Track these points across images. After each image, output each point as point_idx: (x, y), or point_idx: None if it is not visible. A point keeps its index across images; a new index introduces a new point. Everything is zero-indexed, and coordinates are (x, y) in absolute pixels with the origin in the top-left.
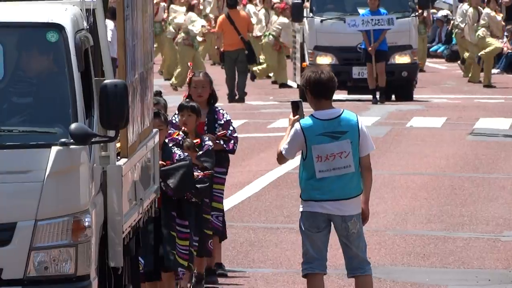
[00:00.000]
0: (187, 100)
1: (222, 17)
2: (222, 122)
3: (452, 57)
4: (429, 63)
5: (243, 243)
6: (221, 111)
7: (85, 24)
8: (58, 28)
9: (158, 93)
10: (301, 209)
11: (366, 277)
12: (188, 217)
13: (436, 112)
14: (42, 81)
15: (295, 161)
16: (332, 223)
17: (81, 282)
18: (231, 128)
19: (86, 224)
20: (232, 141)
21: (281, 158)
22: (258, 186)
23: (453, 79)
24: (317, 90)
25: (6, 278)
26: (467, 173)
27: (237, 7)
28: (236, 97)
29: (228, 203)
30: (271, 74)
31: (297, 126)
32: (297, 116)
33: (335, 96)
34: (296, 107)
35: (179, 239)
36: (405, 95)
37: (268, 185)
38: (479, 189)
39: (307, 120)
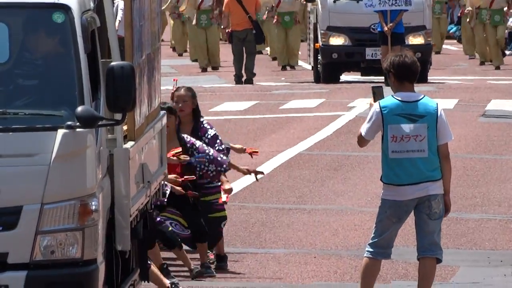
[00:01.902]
0: (163, 102)
1: None
2: (207, 140)
3: None
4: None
5: (255, 223)
6: (205, 125)
7: (91, 4)
8: (64, 8)
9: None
10: (383, 196)
11: (432, 260)
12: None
13: (448, 94)
14: (48, 63)
15: (308, 142)
16: (414, 207)
17: (88, 266)
18: (217, 142)
19: (93, 207)
20: (219, 160)
21: (361, 140)
22: (270, 167)
23: (465, 60)
24: (401, 73)
25: (12, 262)
26: (479, 154)
27: None
28: (243, 79)
29: (240, 184)
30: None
31: (376, 106)
32: (378, 102)
33: (348, 78)
34: (376, 93)
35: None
36: (419, 76)
37: (279, 166)
38: (491, 170)
39: (386, 100)
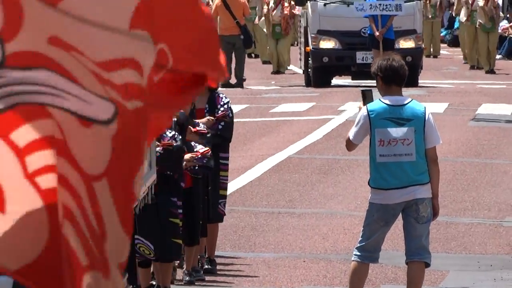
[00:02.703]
0: None
1: (217, 0)
2: (219, 107)
3: (455, 42)
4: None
5: (244, 227)
6: (220, 95)
7: None
8: None
9: None
10: (371, 200)
11: (420, 264)
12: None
13: (438, 98)
14: None
15: (298, 145)
16: (401, 211)
17: None
18: (224, 107)
19: None
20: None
21: (349, 144)
22: (259, 171)
23: (455, 64)
24: (388, 77)
25: None
26: (469, 158)
27: None
28: (234, 83)
29: (229, 188)
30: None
31: (363, 110)
32: (365, 106)
33: (338, 82)
34: (366, 96)
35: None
36: (410, 80)
37: (269, 169)
38: (481, 174)
39: (374, 104)
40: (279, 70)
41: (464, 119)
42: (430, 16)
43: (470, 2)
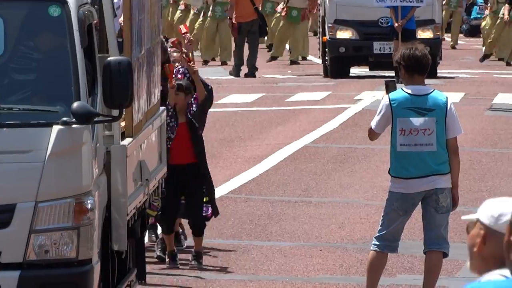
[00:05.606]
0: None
1: None
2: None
3: (471, 31)
4: (447, 37)
5: (261, 216)
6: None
7: None
8: (60, 2)
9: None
10: (390, 189)
11: (438, 254)
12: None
13: (454, 87)
14: (43, 58)
15: (314, 134)
16: (421, 201)
17: (82, 266)
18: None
19: (89, 206)
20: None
21: (372, 133)
22: (276, 160)
23: (472, 54)
24: (410, 65)
25: (4, 262)
26: (486, 148)
27: None
28: (245, 72)
29: (246, 176)
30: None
31: (385, 99)
32: (387, 95)
33: (355, 72)
34: (389, 86)
35: None
36: (429, 71)
37: (286, 158)
38: (497, 164)
39: (396, 93)
40: (293, 60)
41: (480, 108)
42: (452, 6)
43: None
